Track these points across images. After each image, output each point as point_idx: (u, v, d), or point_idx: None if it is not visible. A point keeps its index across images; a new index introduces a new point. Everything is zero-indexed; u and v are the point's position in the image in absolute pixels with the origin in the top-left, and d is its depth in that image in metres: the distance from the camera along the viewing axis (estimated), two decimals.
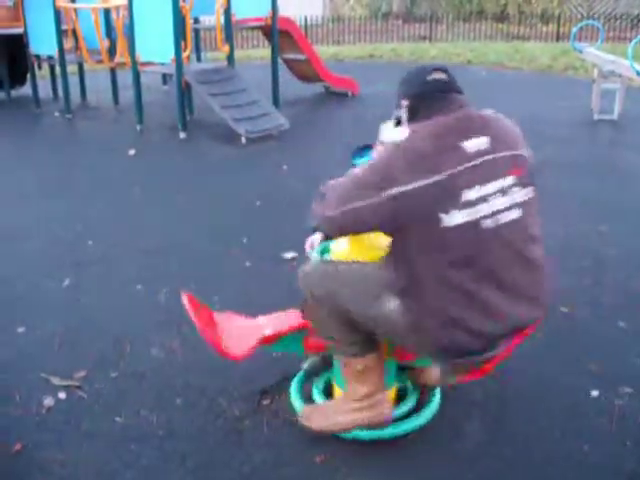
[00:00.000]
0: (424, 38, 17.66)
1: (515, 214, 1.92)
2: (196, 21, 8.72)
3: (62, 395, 2.70)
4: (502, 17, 19.45)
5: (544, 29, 17.77)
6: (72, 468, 2.30)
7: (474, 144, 1.90)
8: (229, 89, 7.49)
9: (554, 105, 8.50)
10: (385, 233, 1.99)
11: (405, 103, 2.07)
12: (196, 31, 9.24)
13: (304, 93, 9.75)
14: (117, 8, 7.67)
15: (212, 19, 7.94)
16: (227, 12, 7.48)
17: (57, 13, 8.01)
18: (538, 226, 2.02)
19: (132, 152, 6.69)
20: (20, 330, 3.22)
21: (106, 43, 8.05)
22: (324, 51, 13.19)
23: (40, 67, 9.80)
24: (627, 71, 7.11)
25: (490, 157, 1.91)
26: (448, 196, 1.85)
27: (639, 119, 7.58)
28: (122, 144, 6.98)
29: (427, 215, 1.85)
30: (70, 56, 8.60)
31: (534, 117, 7.78)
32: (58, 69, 8.77)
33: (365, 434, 2.35)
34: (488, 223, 1.88)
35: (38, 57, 9.02)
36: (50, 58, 8.82)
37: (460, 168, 1.86)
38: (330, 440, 2.37)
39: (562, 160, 6.02)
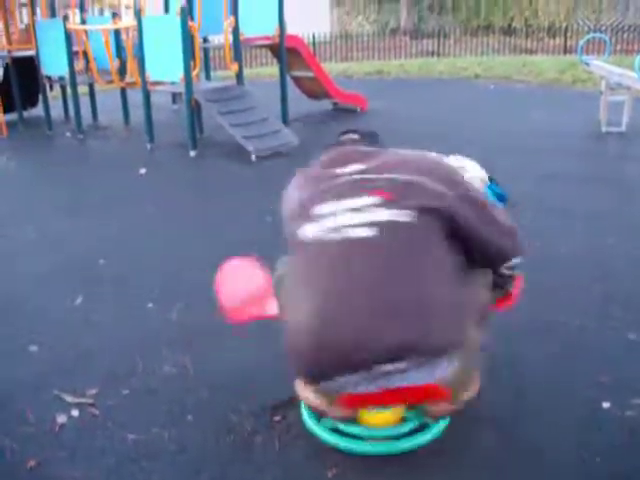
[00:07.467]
0: (432, 53, 17.72)
1: (365, 232, 1.91)
2: (205, 40, 8.81)
3: (75, 412, 2.71)
4: (509, 31, 19.50)
5: (551, 42, 17.81)
6: None
7: (343, 170, 2.01)
8: (238, 107, 7.55)
9: (562, 118, 8.51)
10: None
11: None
12: (205, 50, 9.34)
13: (313, 110, 9.80)
14: (127, 29, 7.78)
15: (221, 38, 8.03)
16: (235, 31, 7.57)
17: (68, 35, 8.13)
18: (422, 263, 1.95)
19: (143, 171, 6.74)
20: (32, 349, 3.25)
21: (116, 63, 8.15)
22: (333, 68, 13.26)
23: (52, 88, 9.92)
24: (634, 83, 7.12)
25: (355, 177, 1.97)
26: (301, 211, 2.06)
27: None
28: (133, 163, 7.04)
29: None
30: (81, 77, 8.71)
31: (542, 130, 7.80)
32: (69, 90, 8.88)
33: (375, 449, 2.36)
34: (332, 236, 1.95)
35: (49, 78, 9.14)
36: (61, 79, 8.94)
37: (321, 187, 2.02)
38: (342, 455, 2.37)
39: (571, 173, 6.02)
